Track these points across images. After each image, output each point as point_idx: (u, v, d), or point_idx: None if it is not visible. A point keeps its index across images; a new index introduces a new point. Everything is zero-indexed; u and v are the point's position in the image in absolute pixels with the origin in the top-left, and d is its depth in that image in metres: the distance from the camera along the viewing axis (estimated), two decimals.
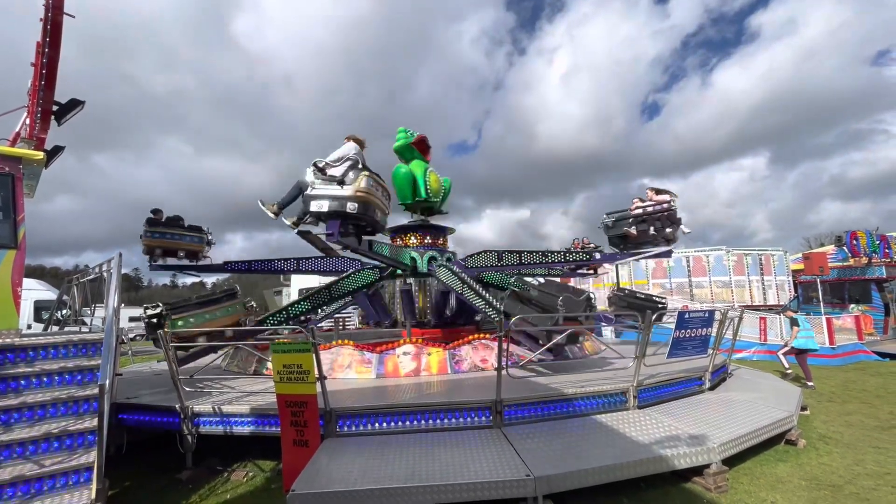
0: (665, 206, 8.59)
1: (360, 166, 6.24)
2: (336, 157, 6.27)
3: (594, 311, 6.94)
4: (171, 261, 8.68)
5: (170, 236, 8.51)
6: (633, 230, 8.75)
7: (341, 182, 6.01)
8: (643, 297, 10.22)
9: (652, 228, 8.63)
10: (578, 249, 10.37)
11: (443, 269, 8.75)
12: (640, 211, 8.75)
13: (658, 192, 8.79)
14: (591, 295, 6.83)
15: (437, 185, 9.58)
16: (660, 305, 9.27)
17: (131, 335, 10.60)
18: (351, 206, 5.99)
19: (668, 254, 9.24)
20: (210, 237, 9.10)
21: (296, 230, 6.48)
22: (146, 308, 6.42)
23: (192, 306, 6.97)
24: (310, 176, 6.16)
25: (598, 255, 9.31)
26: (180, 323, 6.25)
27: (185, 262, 8.83)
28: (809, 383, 9.12)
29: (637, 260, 9.77)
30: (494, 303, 7.42)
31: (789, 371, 9.79)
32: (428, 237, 9.57)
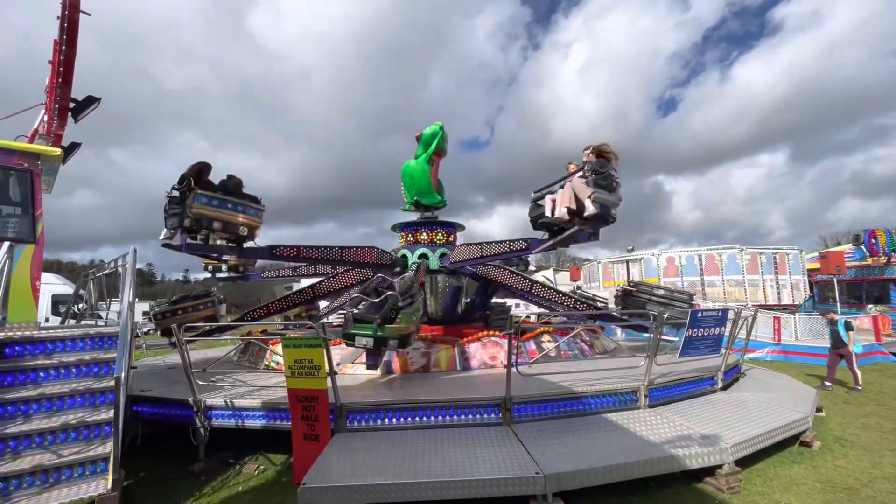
0: (582, 167, 6.03)
1: (192, 186, 6.60)
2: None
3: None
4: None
5: (231, 206, 6.76)
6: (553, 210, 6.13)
7: (181, 202, 6.56)
8: (663, 293, 8.43)
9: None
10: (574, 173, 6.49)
11: (460, 247, 8.72)
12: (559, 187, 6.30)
13: (600, 153, 5.98)
14: (397, 297, 5.70)
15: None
16: (691, 303, 7.88)
17: (145, 329, 10.71)
18: (187, 222, 6.48)
19: (595, 236, 6.53)
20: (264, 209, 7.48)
21: (161, 243, 7.05)
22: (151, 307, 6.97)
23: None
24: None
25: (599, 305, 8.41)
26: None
27: (235, 244, 7.25)
28: (828, 384, 8.98)
29: (561, 245, 6.91)
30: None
31: (859, 387, 8.72)
32: (439, 234, 9.55)
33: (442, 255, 9.17)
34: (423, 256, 9.14)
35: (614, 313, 8.17)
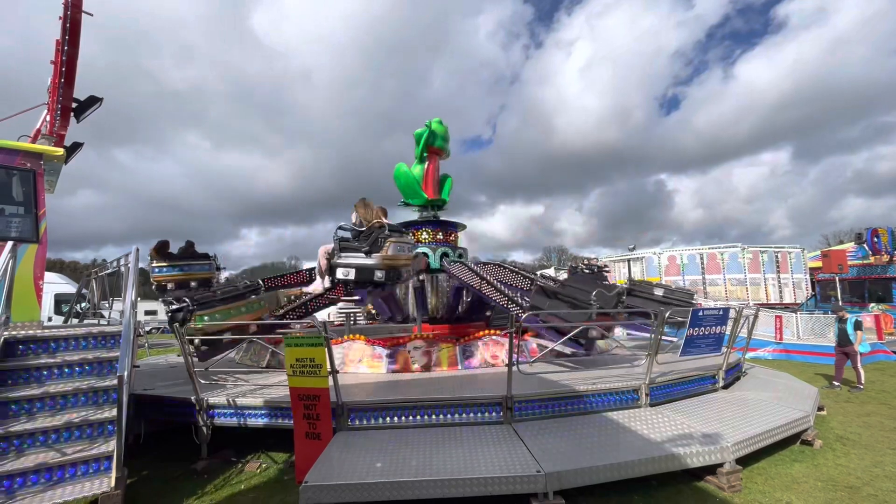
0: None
1: (386, 232, 6.17)
2: (357, 220, 6.31)
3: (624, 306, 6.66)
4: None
5: (178, 269, 8.36)
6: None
7: (368, 251, 5.99)
8: (664, 293, 8.19)
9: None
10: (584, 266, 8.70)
11: (457, 265, 8.73)
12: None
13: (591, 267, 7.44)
14: (623, 289, 6.60)
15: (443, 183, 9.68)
16: (691, 301, 7.69)
17: (147, 328, 10.74)
18: (379, 275, 5.98)
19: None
20: (218, 263, 8.95)
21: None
22: (170, 301, 6.43)
23: (216, 302, 6.92)
24: (336, 245, 6.11)
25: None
26: (206, 318, 6.22)
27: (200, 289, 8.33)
28: (836, 383, 8.97)
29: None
30: (517, 298, 7.31)
31: (862, 385, 8.77)
32: (440, 233, 9.58)
33: (443, 255, 9.20)
34: (425, 255, 9.18)
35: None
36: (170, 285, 8.13)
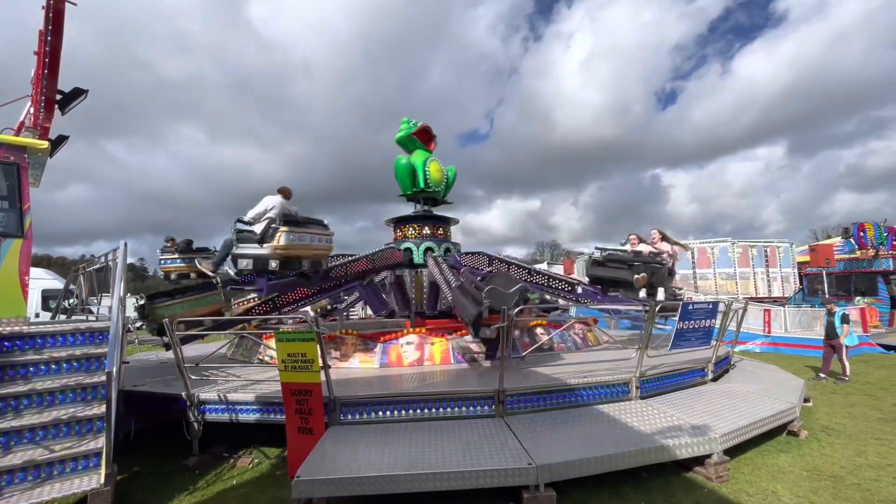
0: (662, 258, 7.30)
1: (278, 223, 6.27)
2: (256, 212, 6.39)
3: (530, 304, 6.60)
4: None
5: (181, 262, 8.94)
6: (617, 273, 7.24)
7: (261, 241, 6.13)
8: (626, 256, 7.48)
9: (638, 275, 7.03)
10: (636, 247, 7.77)
11: (430, 259, 8.67)
12: (632, 255, 7.38)
13: (664, 237, 7.51)
14: (526, 286, 6.33)
15: (439, 174, 9.49)
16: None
17: (137, 324, 10.59)
18: (273, 265, 6.16)
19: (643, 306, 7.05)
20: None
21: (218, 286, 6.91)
22: (136, 298, 6.73)
23: (172, 294, 7.19)
24: (233, 238, 6.35)
25: (579, 290, 8.02)
26: (162, 311, 6.43)
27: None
28: (822, 375, 9.14)
29: (612, 313, 8.54)
30: (462, 300, 6.62)
31: (847, 377, 8.86)
32: (426, 228, 9.52)
33: (427, 250, 9.16)
34: (408, 250, 9.15)
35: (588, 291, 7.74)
36: (173, 275, 8.84)
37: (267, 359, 7.36)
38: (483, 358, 7.01)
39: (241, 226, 6.38)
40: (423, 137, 9.54)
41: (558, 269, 30.14)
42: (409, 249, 9.15)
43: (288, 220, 6.51)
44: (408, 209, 9.92)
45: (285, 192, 6.76)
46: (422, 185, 9.33)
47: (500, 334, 5.17)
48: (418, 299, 9.76)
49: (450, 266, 8.42)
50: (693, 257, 20.63)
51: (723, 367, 7.40)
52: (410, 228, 9.52)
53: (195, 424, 5.30)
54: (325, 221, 7.10)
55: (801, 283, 20.61)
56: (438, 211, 9.96)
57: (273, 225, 6.28)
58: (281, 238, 6.18)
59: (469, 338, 7.08)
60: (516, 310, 5.42)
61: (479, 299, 5.52)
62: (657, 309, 5.77)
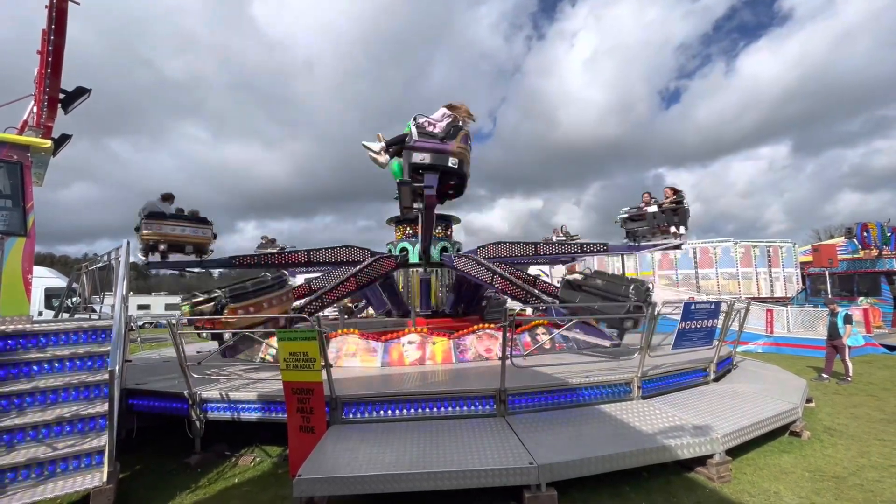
0: (675, 203, 8.85)
1: (459, 124, 6.53)
2: (438, 115, 6.56)
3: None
4: (174, 257, 8.37)
5: (173, 229, 8.16)
6: (645, 226, 9.20)
7: (443, 138, 6.24)
8: (604, 281, 7.34)
9: (663, 224, 8.98)
10: (649, 202, 9.59)
11: (464, 258, 8.66)
12: (654, 209, 9.07)
13: (675, 191, 9.03)
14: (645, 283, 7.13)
15: None
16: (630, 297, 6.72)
17: (140, 323, 10.63)
18: (452, 161, 6.22)
19: (677, 246, 9.34)
20: (215, 231, 8.86)
21: (397, 180, 6.68)
22: (195, 295, 6.53)
23: (250, 294, 6.92)
24: (413, 131, 6.35)
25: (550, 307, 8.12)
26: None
27: (192, 257, 8.51)
28: (825, 375, 9.11)
29: (651, 251, 10.04)
30: (535, 291, 7.53)
31: (850, 378, 8.87)
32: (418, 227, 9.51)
33: (443, 249, 9.16)
34: (404, 250, 9.14)
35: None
36: (162, 246, 8.01)
37: (269, 357, 7.38)
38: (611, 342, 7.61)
39: (419, 118, 6.54)
40: None
41: (560, 269, 30.10)
42: (404, 249, 9.14)
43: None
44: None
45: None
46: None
47: (503, 333, 5.16)
48: (413, 297, 9.73)
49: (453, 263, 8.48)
50: (695, 257, 20.58)
51: (725, 367, 7.38)
52: (410, 228, 9.51)
53: (197, 423, 5.32)
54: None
55: (803, 284, 20.55)
56: (440, 210, 9.93)
57: (457, 125, 6.60)
58: (461, 138, 6.52)
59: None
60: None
61: (625, 294, 6.46)
62: (659, 309, 5.76)
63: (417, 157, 6.09)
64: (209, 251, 8.76)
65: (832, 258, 16.95)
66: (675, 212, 8.78)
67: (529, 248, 9.10)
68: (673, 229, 8.77)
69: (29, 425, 4.18)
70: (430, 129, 6.29)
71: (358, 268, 8.40)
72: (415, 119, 6.29)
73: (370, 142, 6.59)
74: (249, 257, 9.39)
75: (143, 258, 8.09)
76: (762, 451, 5.15)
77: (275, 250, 9.71)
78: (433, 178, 6.19)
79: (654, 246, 9.34)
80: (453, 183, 6.90)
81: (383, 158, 6.50)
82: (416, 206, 6.96)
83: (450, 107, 6.73)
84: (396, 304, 9.77)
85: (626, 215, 9.53)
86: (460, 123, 6.57)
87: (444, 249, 9.29)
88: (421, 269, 9.31)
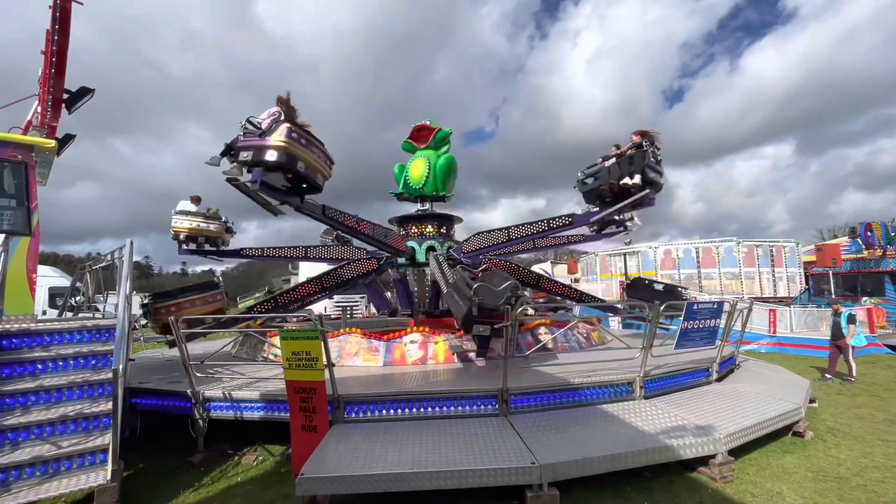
0: (636, 144, 6.93)
1: (282, 118, 6.17)
2: (265, 113, 6.35)
3: (524, 303, 5.91)
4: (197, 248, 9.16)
5: (192, 223, 9.04)
6: (608, 183, 7.11)
7: (263, 133, 6.06)
8: (663, 286, 9.94)
9: (628, 177, 6.82)
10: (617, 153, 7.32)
11: (431, 258, 8.60)
12: (613, 160, 7.10)
13: (643, 134, 7.08)
14: (517, 283, 5.85)
15: (419, 171, 9.26)
16: (680, 294, 9.09)
17: (143, 322, 10.67)
18: (270, 154, 5.93)
19: (650, 201, 7.32)
20: (230, 224, 9.54)
21: (226, 178, 6.43)
22: (141, 297, 7.23)
23: (174, 294, 7.84)
24: (241, 132, 6.27)
25: (579, 212, 7.83)
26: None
27: (206, 248, 9.27)
28: (828, 376, 9.07)
29: (617, 211, 7.45)
30: (457, 298, 6.27)
31: (853, 378, 8.79)
32: (429, 226, 9.51)
33: (429, 249, 9.15)
34: (411, 248, 9.16)
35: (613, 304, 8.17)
36: (182, 235, 8.94)
37: (271, 356, 7.40)
38: (475, 356, 6.99)
39: (250, 118, 6.27)
40: (415, 137, 9.56)
41: (562, 268, 30.10)
42: (411, 248, 9.16)
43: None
44: (414, 208, 9.94)
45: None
46: (400, 189, 9.57)
47: (505, 333, 5.16)
48: (421, 297, 9.75)
49: (454, 261, 8.42)
50: (698, 257, 20.52)
51: (728, 367, 7.36)
52: (413, 227, 9.53)
53: (200, 422, 5.34)
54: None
55: (806, 284, 20.45)
56: (441, 209, 9.93)
57: (279, 120, 6.14)
58: (282, 131, 5.99)
59: (464, 337, 7.07)
60: (513, 307, 5.35)
61: (468, 296, 5.50)
62: (661, 309, 5.74)
63: (243, 156, 6.05)
64: (227, 242, 9.62)
65: (836, 258, 16.86)
66: (632, 159, 6.73)
67: (503, 235, 8.54)
68: (627, 181, 6.71)
69: (34, 423, 4.21)
70: (256, 127, 6.13)
71: (325, 272, 8.84)
72: (246, 120, 6.20)
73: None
74: (255, 249, 10.18)
75: (180, 246, 9.00)
76: (765, 452, 5.14)
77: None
78: (258, 173, 6.10)
79: (619, 206, 7.24)
80: (291, 176, 6.35)
81: (230, 167, 6.42)
82: (274, 202, 6.97)
83: (277, 100, 6.52)
84: (406, 304, 9.78)
85: (584, 174, 7.69)
86: (281, 118, 6.17)
87: (430, 248, 9.24)
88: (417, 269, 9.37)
